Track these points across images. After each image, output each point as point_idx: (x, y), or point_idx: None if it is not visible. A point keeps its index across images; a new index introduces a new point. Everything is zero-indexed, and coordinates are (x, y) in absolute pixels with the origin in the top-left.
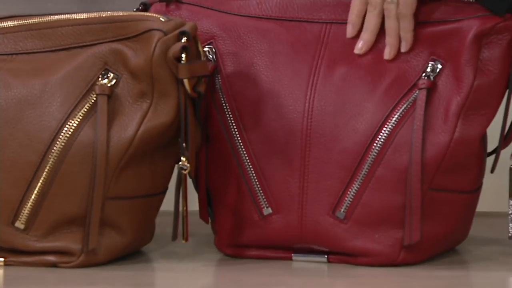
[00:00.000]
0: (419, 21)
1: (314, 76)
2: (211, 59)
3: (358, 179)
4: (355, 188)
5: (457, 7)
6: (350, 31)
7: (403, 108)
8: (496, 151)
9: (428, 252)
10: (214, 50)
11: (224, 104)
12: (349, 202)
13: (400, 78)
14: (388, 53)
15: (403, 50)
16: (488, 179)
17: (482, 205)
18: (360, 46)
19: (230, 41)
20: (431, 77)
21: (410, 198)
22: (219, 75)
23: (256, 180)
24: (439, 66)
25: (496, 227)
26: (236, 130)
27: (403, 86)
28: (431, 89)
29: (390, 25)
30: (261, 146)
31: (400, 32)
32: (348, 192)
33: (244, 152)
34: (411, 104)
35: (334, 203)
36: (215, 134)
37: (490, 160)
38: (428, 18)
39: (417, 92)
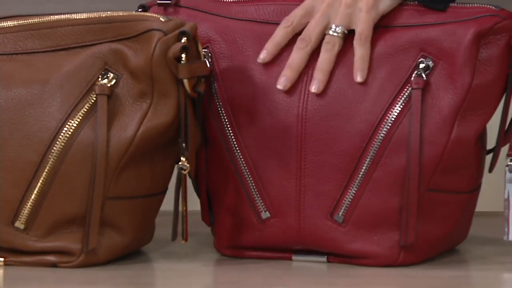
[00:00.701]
0: (403, 25)
1: (307, 79)
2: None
3: (355, 182)
4: (353, 191)
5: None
6: (262, 57)
7: (397, 106)
8: (494, 150)
9: (427, 253)
10: (210, 54)
11: (219, 109)
12: (347, 205)
13: (391, 74)
14: (317, 89)
15: (360, 80)
16: (487, 179)
17: (481, 205)
18: (283, 83)
19: (225, 45)
20: (423, 76)
21: (407, 199)
22: (214, 79)
23: (253, 184)
24: (431, 63)
25: (495, 227)
26: (232, 134)
27: (395, 82)
28: (425, 88)
29: (328, 58)
30: (257, 150)
31: (357, 62)
32: (346, 195)
33: (241, 157)
34: (405, 102)
35: (332, 206)
36: (212, 138)
37: (488, 160)
38: (413, 21)
39: (410, 89)
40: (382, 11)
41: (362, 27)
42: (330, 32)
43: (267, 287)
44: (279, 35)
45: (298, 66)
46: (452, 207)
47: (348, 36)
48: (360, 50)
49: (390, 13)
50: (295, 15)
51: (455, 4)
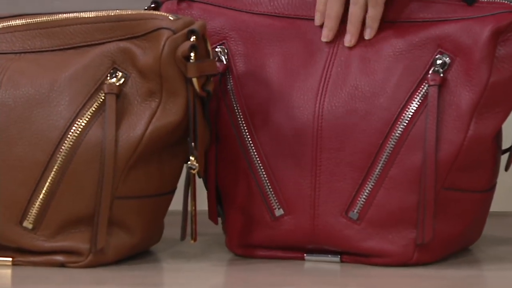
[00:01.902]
0: (420, 20)
1: (325, 77)
2: (223, 59)
3: (371, 179)
4: (368, 188)
5: (460, 5)
6: (317, 18)
7: (414, 104)
8: (511, 150)
9: (442, 252)
10: (226, 50)
11: (235, 105)
12: (362, 203)
13: (408, 70)
14: (348, 41)
15: (367, 37)
16: (502, 179)
17: (495, 204)
18: (326, 34)
19: (242, 42)
20: (441, 72)
21: (423, 197)
22: (230, 76)
23: (267, 181)
24: (448, 60)
25: (510, 226)
26: (246, 131)
27: (412, 79)
28: (442, 85)
29: (354, 12)
30: (272, 147)
31: (367, 20)
32: (361, 193)
33: (255, 153)
34: (422, 99)
35: (347, 204)
36: (225, 134)
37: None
38: (430, 17)
39: (426, 86)
40: None
41: None
42: None
43: (277, 287)
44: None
45: (336, 14)
46: (467, 206)
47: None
48: (372, 10)
49: (407, 6)
50: None
51: None
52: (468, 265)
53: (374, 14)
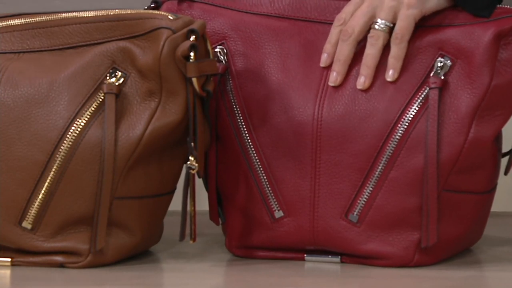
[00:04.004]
0: (422, 25)
1: (324, 78)
2: (222, 60)
3: (371, 181)
4: (368, 190)
5: (462, 12)
6: (324, 60)
7: (415, 106)
8: (511, 153)
9: (442, 254)
10: (225, 51)
11: (234, 106)
12: (362, 205)
13: (408, 72)
14: (362, 84)
15: (390, 79)
16: (502, 180)
17: (496, 205)
18: (333, 79)
19: (241, 42)
20: (441, 75)
21: (426, 200)
22: (230, 76)
23: (267, 183)
24: (449, 62)
25: (510, 227)
26: (246, 132)
27: (413, 81)
28: (443, 88)
29: (372, 54)
30: (272, 148)
31: (391, 60)
32: (361, 195)
33: (255, 155)
34: (422, 102)
35: (346, 206)
36: (225, 135)
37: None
38: (433, 23)
39: (427, 89)
40: (426, 10)
41: (401, 25)
42: (376, 27)
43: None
44: (334, 34)
45: (346, 58)
46: (468, 208)
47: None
48: (395, 49)
49: None
50: (347, 12)
51: None
52: (469, 266)
53: (398, 54)
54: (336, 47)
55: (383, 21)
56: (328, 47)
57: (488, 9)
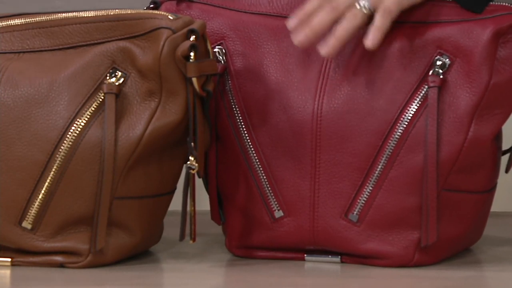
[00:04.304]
0: (420, 21)
1: (323, 76)
2: (221, 60)
3: (370, 181)
4: (368, 190)
5: (460, 8)
6: (291, 23)
7: (414, 105)
8: (511, 151)
9: (442, 254)
10: (224, 51)
11: (233, 106)
12: (362, 205)
13: (407, 71)
14: (326, 52)
15: (369, 45)
16: (502, 179)
17: (496, 205)
18: (298, 39)
19: (239, 42)
20: (440, 73)
21: (426, 199)
22: (228, 76)
23: (267, 183)
24: (447, 61)
25: (510, 227)
26: (245, 131)
27: (412, 80)
28: (442, 86)
29: (345, 27)
30: (271, 148)
31: (373, 28)
32: (361, 194)
33: (254, 154)
34: (422, 101)
35: (346, 205)
36: (225, 135)
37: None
38: (431, 18)
39: (426, 87)
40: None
41: (389, 4)
42: (357, 5)
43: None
44: (312, 5)
45: (318, 28)
46: (467, 207)
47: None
48: (379, 21)
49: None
50: None
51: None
52: (469, 266)
53: (383, 25)
54: (305, 16)
55: (367, 3)
56: (300, 13)
57: (480, 5)
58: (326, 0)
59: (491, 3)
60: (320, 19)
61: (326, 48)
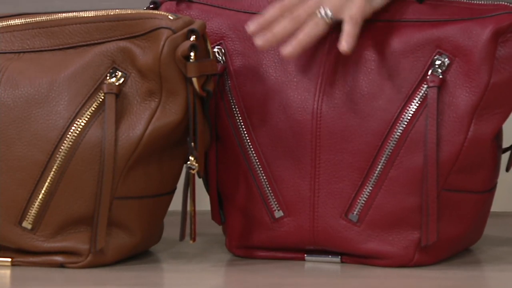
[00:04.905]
0: (418, 20)
1: (323, 76)
2: (220, 60)
3: (370, 181)
4: (368, 190)
5: (459, 7)
6: (251, 28)
7: (413, 105)
8: (511, 149)
9: (442, 254)
10: (223, 50)
11: (233, 106)
12: (362, 205)
13: (406, 71)
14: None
15: (344, 49)
16: (502, 179)
17: (496, 205)
18: (258, 40)
19: (239, 42)
20: (439, 73)
21: (426, 199)
22: (228, 76)
23: (267, 183)
24: (447, 60)
25: (510, 227)
26: (245, 131)
27: (411, 80)
28: (441, 86)
29: (306, 32)
30: (271, 148)
31: (345, 35)
32: (361, 194)
33: (254, 155)
34: (421, 101)
35: (346, 205)
36: (225, 135)
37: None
38: (429, 18)
39: (426, 87)
40: (376, 5)
41: (355, 11)
42: (318, 14)
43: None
44: (273, 11)
45: (279, 35)
46: (468, 207)
47: (335, 28)
48: (348, 27)
49: (403, 7)
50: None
51: (472, 0)
52: (469, 266)
53: (353, 32)
54: (267, 22)
55: (328, 10)
56: (261, 19)
57: None
58: (286, 9)
59: (490, 2)
60: (282, 27)
61: (287, 49)
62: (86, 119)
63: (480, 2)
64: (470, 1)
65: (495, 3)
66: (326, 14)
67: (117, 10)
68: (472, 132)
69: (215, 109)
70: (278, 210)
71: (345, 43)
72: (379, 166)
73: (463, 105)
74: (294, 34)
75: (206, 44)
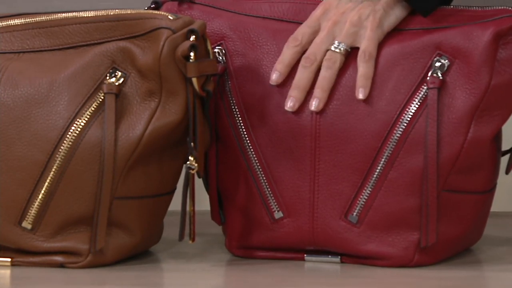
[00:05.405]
0: (419, 28)
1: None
2: (221, 60)
3: (370, 182)
4: (368, 191)
5: (460, 14)
6: (274, 78)
7: (413, 106)
8: (511, 151)
9: (442, 254)
10: (224, 51)
11: (233, 106)
12: (362, 206)
13: (406, 72)
14: (316, 107)
15: (362, 97)
16: (502, 179)
17: (496, 205)
18: (291, 105)
19: (239, 42)
20: (439, 74)
21: (426, 200)
22: (228, 77)
23: (267, 184)
24: (447, 62)
25: (510, 227)
26: (245, 132)
27: (411, 81)
28: (441, 88)
29: (328, 76)
30: (271, 149)
31: (360, 79)
32: (361, 195)
33: (254, 155)
34: (420, 102)
35: (346, 206)
36: (225, 136)
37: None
38: (430, 25)
39: (425, 88)
40: (387, 29)
41: (367, 44)
42: (332, 48)
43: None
44: (288, 54)
45: (305, 86)
46: (467, 208)
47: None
48: (363, 68)
49: (408, 19)
50: (302, 33)
51: (474, 7)
52: (469, 266)
53: (367, 72)
54: (289, 68)
55: (342, 44)
56: (280, 66)
57: (429, 9)
58: (300, 48)
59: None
60: (301, 77)
61: (315, 103)
62: (86, 119)
63: (485, 9)
64: (474, 9)
65: (496, 8)
66: (340, 47)
67: (117, 10)
68: (471, 133)
69: (215, 109)
70: (278, 211)
71: (361, 90)
72: (379, 167)
73: (462, 107)
74: (317, 83)
75: (206, 44)
